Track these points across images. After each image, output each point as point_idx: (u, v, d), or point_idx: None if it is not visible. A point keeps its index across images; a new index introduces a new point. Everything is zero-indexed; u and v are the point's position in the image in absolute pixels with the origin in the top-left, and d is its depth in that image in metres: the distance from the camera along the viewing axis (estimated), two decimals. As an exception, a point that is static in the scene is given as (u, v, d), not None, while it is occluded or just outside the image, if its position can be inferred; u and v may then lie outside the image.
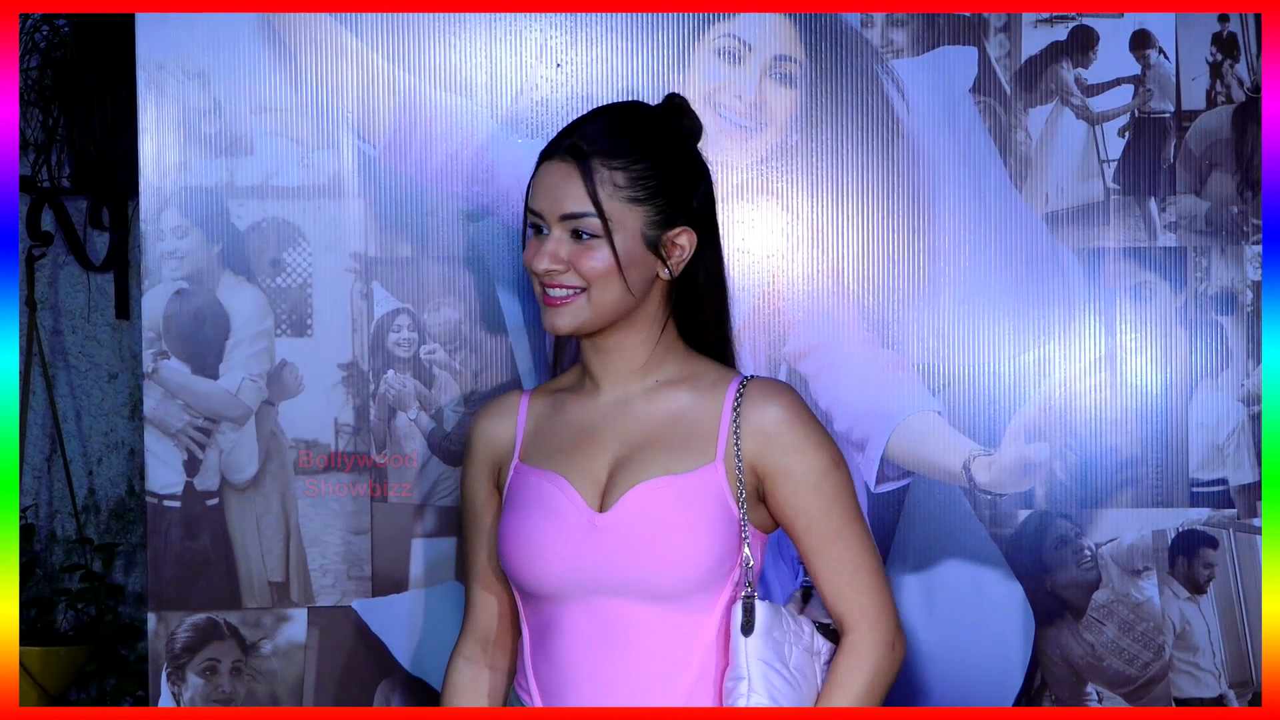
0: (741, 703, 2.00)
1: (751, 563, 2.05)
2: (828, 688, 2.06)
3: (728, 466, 2.06)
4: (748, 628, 2.02)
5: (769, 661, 2.02)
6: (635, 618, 2.03)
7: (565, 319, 2.06)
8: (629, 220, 2.04)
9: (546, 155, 2.08)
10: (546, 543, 2.05)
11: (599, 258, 2.04)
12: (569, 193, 2.04)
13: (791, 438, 2.06)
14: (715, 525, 2.04)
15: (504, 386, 2.51)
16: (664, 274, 2.09)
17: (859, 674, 2.05)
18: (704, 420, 2.08)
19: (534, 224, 2.07)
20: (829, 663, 2.09)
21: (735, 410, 2.07)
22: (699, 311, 2.13)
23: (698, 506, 2.04)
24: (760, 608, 2.03)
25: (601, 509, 2.05)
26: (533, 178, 2.08)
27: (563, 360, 2.22)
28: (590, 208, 2.03)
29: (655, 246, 2.06)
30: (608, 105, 2.13)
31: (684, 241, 2.08)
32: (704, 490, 2.04)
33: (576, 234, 2.04)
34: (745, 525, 2.06)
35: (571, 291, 2.05)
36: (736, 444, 2.06)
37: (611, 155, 2.05)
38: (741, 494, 2.05)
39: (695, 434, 2.07)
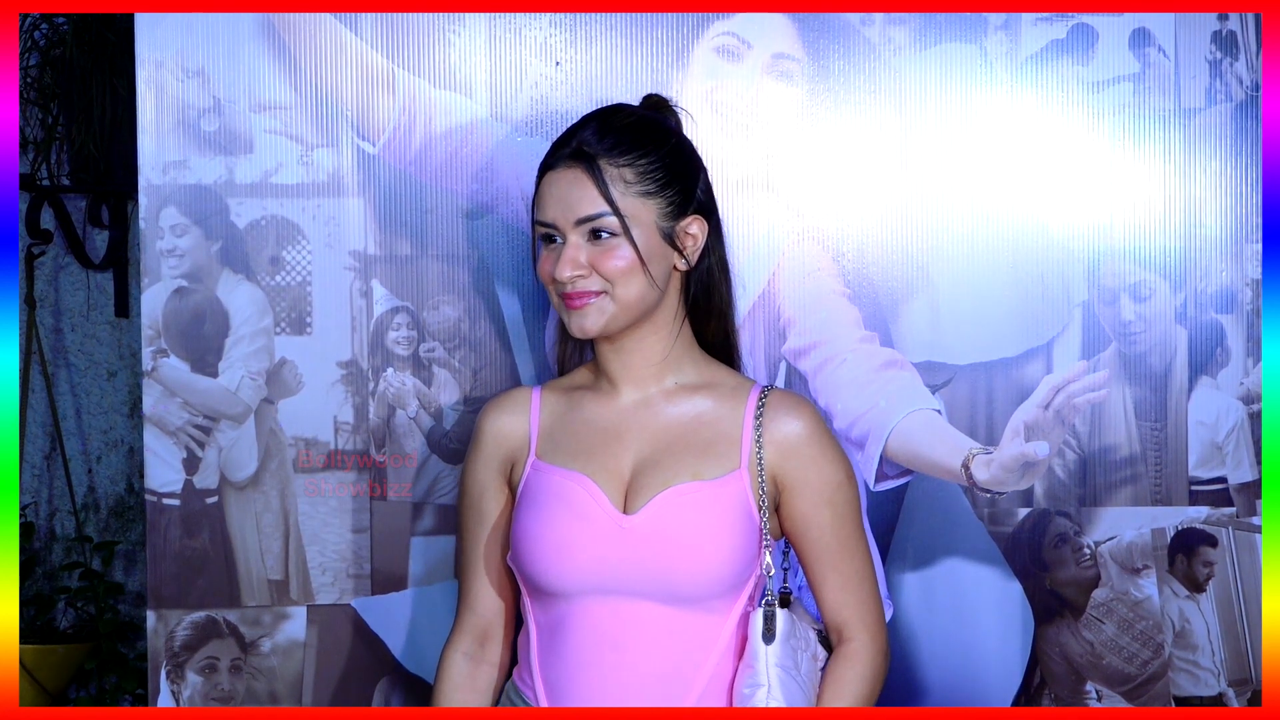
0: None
1: (772, 571, 2.07)
2: (830, 692, 2.09)
3: (751, 474, 2.07)
4: (769, 635, 2.04)
5: (786, 668, 2.03)
6: (653, 619, 2.03)
7: (593, 320, 2.07)
8: (644, 214, 2.06)
9: (548, 166, 2.09)
10: (572, 542, 2.04)
11: (621, 255, 2.05)
12: (582, 196, 2.05)
13: (812, 452, 2.08)
14: (739, 531, 2.05)
15: (503, 385, 2.51)
16: (681, 264, 2.11)
17: (862, 681, 2.10)
18: (726, 426, 2.09)
19: (545, 234, 2.08)
20: (823, 667, 2.11)
21: (758, 419, 2.08)
22: (711, 299, 2.14)
23: (724, 512, 2.05)
24: (779, 615, 2.04)
25: (627, 510, 2.05)
26: (537, 191, 2.09)
27: (565, 361, 2.22)
28: (605, 207, 2.04)
29: (670, 238, 2.08)
30: (597, 109, 2.14)
31: (696, 230, 2.11)
32: (730, 496, 2.05)
33: (594, 235, 2.05)
34: (767, 533, 2.07)
35: (595, 294, 2.06)
36: (759, 453, 2.07)
37: (617, 153, 2.06)
38: (763, 502, 2.06)
39: (718, 440, 2.08)
